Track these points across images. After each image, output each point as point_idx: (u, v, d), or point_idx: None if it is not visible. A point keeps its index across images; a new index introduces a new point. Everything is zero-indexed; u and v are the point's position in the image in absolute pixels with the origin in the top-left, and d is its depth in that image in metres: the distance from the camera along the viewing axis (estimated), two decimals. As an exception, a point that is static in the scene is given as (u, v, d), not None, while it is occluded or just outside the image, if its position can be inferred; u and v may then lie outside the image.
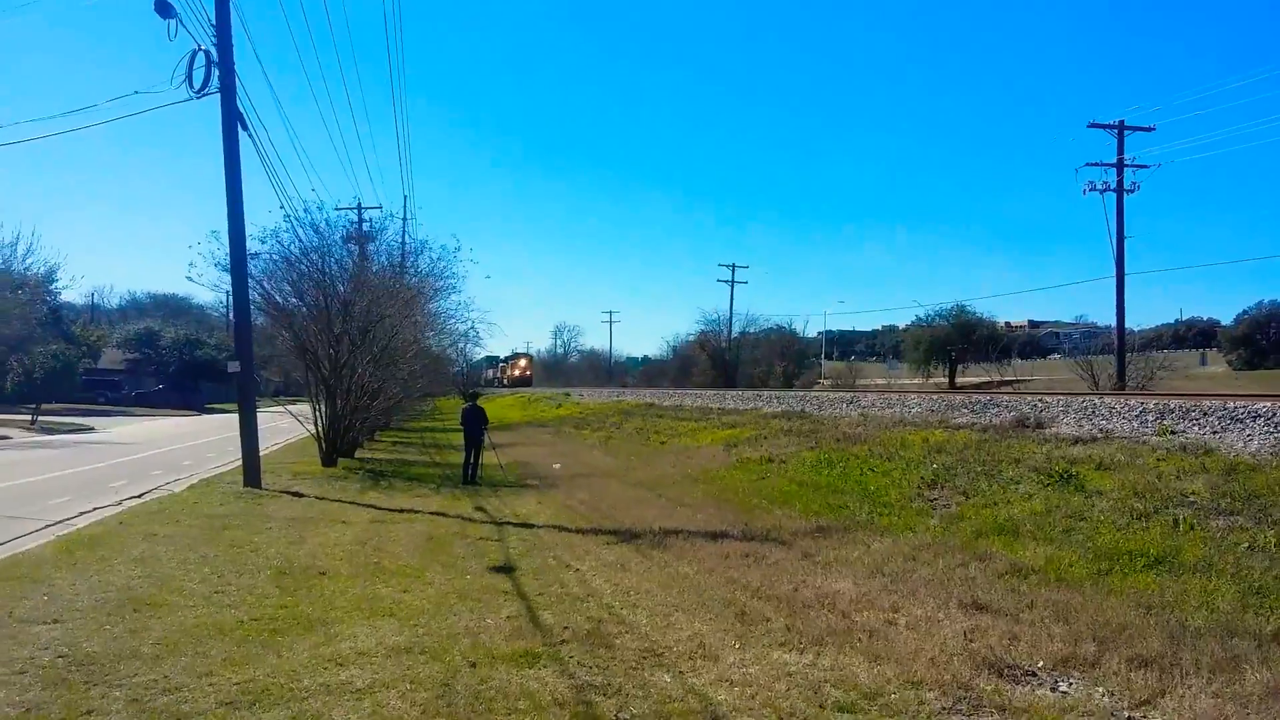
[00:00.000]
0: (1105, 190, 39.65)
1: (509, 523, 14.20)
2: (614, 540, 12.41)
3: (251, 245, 20.08)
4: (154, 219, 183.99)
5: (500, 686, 6.04)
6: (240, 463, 18.23)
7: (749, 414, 28.42)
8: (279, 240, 22.70)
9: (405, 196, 73.36)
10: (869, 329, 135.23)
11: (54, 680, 5.91)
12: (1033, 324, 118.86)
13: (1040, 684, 6.34)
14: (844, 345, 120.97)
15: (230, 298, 20.76)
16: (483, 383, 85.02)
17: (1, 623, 7.27)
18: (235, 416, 19.02)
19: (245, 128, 17.75)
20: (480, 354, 71.41)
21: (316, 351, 22.98)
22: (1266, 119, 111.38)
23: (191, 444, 31.37)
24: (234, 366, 18.42)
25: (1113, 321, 41.64)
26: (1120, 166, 39.42)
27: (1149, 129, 40.25)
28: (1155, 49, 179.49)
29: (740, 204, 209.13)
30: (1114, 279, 39.31)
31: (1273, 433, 12.25)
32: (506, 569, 10.38)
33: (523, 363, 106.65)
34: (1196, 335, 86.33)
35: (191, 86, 16.61)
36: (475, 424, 21.33)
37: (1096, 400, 17.03)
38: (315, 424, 23.29)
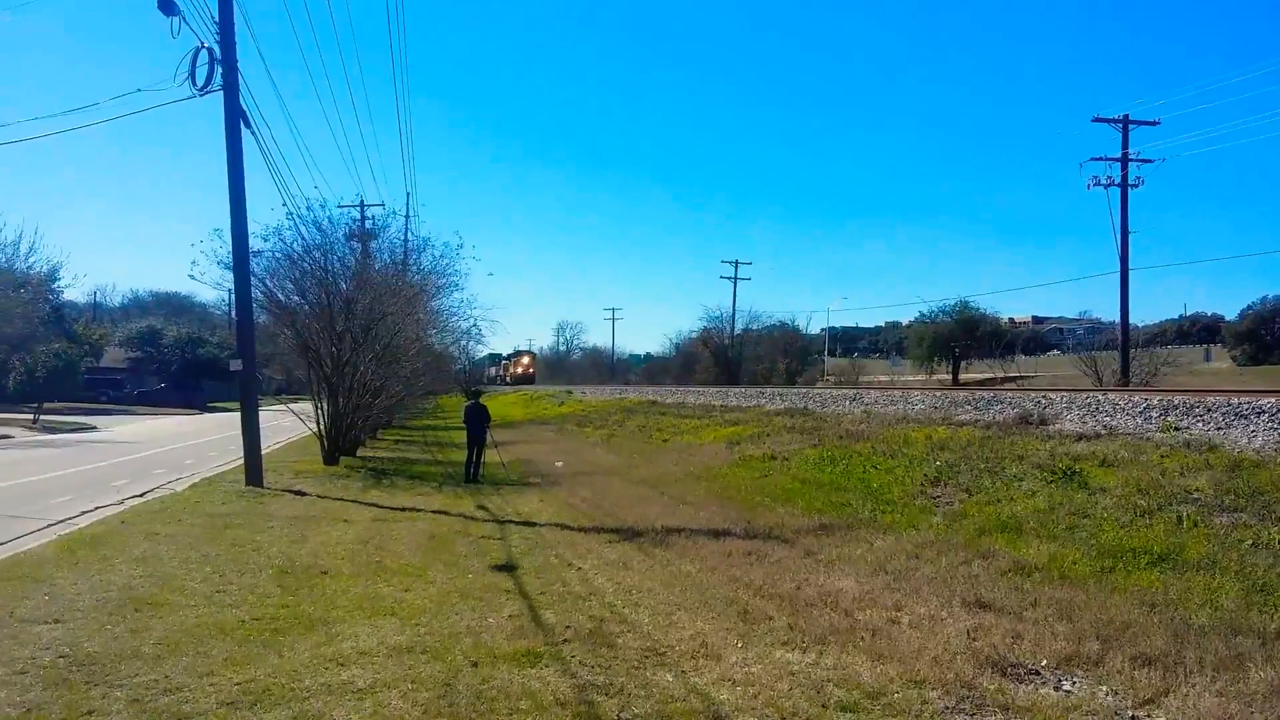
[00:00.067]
0: (1109, 185, 39.61)
1: (511, 521, 14.19)
2: (616, 538, 12.40)
3: (254, 243, 20.12)
4: (156, 217, 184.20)
5: (502, 686, 6.02)
6: (242, 461, 18.23)
7: (751, 411, 28.40)
8: (281, 238, 22.71)
9: (408, 194, 73.53)
10: (872, 325, 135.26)
11: (55, 680, 5.90)
12: (1036, 320, 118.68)
13: (1044, 683, 6.32)
14: (847, 342, 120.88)
15: (232, 296, 20.82)
16: (485, 380, 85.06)
17: (3, 622, 7.26)
18: (237, 415, 19.01)
19: (248, 125, 17.76)
20: (483, 351, 71.49)
21: (319, 349, 22.97)
22: (1271, 113, 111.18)
23: (193, 443, 31.38)
24: (236, 365, 18.40)
25: (1117, 317, 41.73)
26: (1124, 161, 39.37)
27: (1154, 123, 40.29)
28: (1159, 43, 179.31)
29: (743, 200, 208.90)
30: (1118, 274, 39.30)
31: (1277, 429, 12.20)
32: (508, 568, 10.37)
33: (526, 360, 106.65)
34: (1201, 331, 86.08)
35: (195, 84, 16.60)
36: (478, 422, 21.30)
37: (1100, 396, 17.01)
38: (317, 422, 23.29)
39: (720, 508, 14.97)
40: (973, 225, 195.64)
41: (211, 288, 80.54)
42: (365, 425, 28.22)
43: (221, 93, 17.07)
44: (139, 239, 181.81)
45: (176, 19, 15.97)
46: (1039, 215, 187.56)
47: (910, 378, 67.46)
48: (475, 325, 37.74)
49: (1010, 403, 18.32)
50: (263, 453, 18.46)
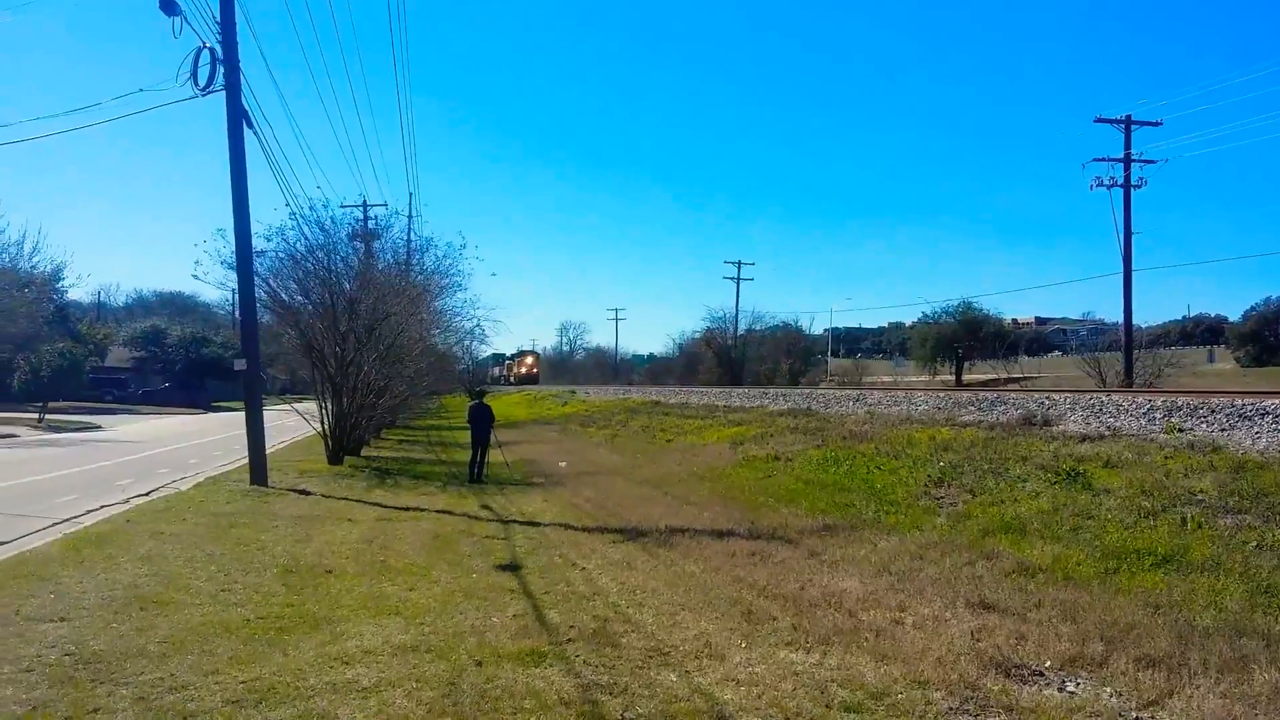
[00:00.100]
0: (1112, 186, 39.57)
1: (515, 521, 14.20)
2: (620, 538, 12.41)
3: (257, 243, 20.14)
4: (159, 217, 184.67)
5: (506, 685, 6.03)
6: (246, 461, 18.26)
7: (755, 412, 28.40)
8: (285, 238, 22.74)
9: (410, 194, 73.34)
10: (875, 326, 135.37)
11: (61, 678, 5.92)
12: (1039, 320, 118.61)
13: (1048, 684, 6.32)
14: (850, 342, 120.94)
15: (236, 296, 20.81)
16: (489, 380, 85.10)
17: (9, 621, 7.28)
18: (241, 414, 19.04)
19: (250, 125, 17.79)
20: (486, 351, 71.57)
21: (323, 349, 23.00)
22: (1274, 114, 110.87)
23: (198, 442, 31.43)
24: (240, 364, 18.43)
25: (1120, 318, 41.60)
26: (1127, 162, 39.32)
27: (1156, 124, 40.22)
28: (1162, 43, 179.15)
29: (744, 200, 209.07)
30: (1121, 275, 39.23)
31: (1281, 431, 12.20)
32: (512, 567, 10.38)
33: (529, 360, 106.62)
34: (1204, 332, 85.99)
35: (196, 84, 16.63)
36: (482, 422, 21.29)
37: (1104, 398, 17.00)
38: (321, 422, 23.32)
39: (724, 508, 14.98)
40: (975, 226, 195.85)
41: (215, 287, 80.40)
42: (369, 425, 28.24)
43: (223, 93, 17.10)
44: (142, 239, 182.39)
45: (178, 19, 16.00)
46: (1041, 216, 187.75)
47: (913, 378, 67.46)
48: (478, 325, 37.81)
49: (1014, 404, 18.31)
50: (267, 452, 18.50)
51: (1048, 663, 6.69)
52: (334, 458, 22.69)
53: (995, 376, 60.38)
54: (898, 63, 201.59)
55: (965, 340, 65.71)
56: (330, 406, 23.31)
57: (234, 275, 19.34)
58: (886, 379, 70.13)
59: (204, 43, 16.61)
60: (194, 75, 16.55)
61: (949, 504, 12.88)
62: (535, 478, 21.52)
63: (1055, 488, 12.08)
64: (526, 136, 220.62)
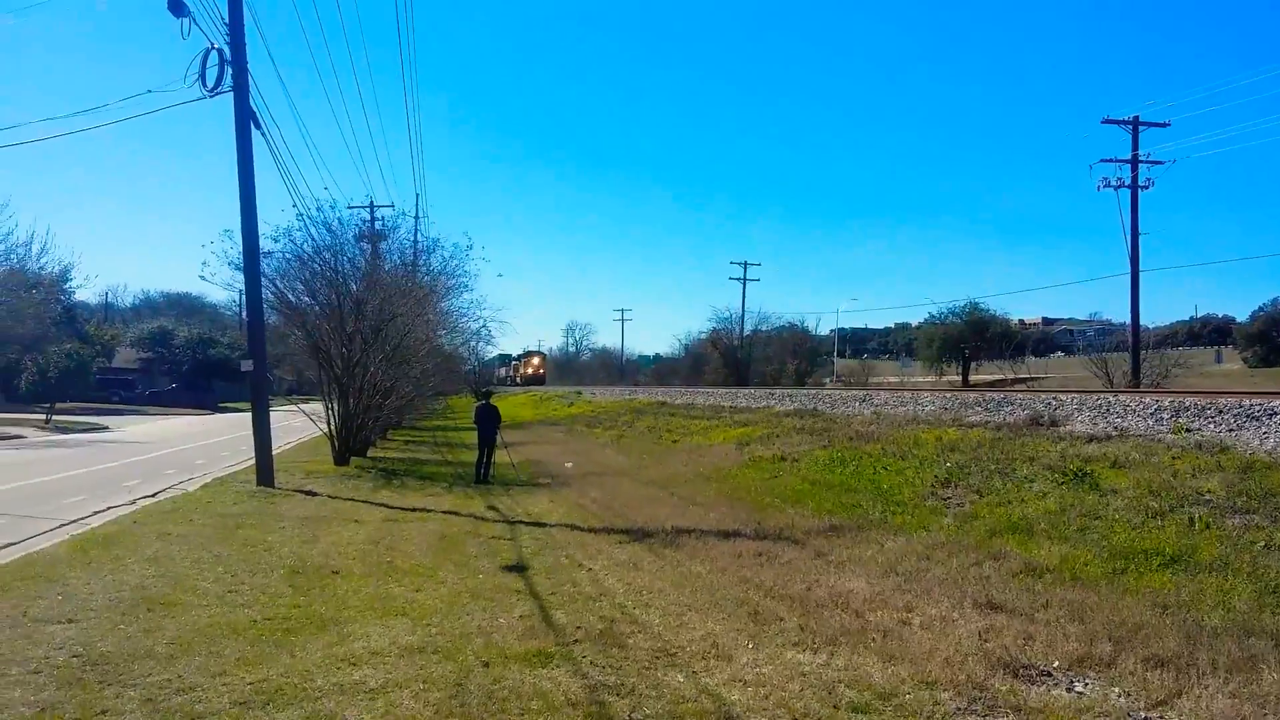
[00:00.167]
0: (1120, 186, 39.46)
1: (521, 521, 14.21)
2: (626, 539, 12.41)
3: (264, 244, 20.14)
4: (167, 218, 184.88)
5: (513, 686, 6.03)
6: (253, 462, 18.29)
7: (761, 412, 28.37)
8: (292, 239, 22.78)
9: (417, 195, 73.63)
10: (882, 326, 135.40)
11: (69, 680, 5.93)
12: (1046, 321, 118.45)
13: (1056, 684, 6.30)
14: (856, 343, 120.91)
15: (243, 296, 20.84)
16: (495, 381, 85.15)
17: (17, 622, 7.29)
18: (248, 415, 19.08)
19: (258, 126, 17.82)
20: (492, 352, 71.52)
21: (329, 350, 23.03)
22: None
23: (204, 443, 31.48)
24: (247, 365, 18.47)
25: (1127, 318, 41.49)
26: (1135, 162, 39.21)
27: (1164, 124, 40.22)
28: (1170, 44, 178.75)
29: (747, 201, 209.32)
30: (1129, 276, 39.14)
31: (1289, 431, 12.16)
32: (519, 568, 10.38)
33: (536, 361, 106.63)
34: (1212, 332, 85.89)
35: (205, 85, 16.68)
36: (489, 423, 21.29)
37: (1111, 398, 16.96)
38: (328, 423, 23.35)
39: (730, 509, 14.96)
40: (981, 226, 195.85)
41: (222, 288, 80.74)
42: (375, 426, 28.27)
43: (231, 94, 17.14)
44: (150, 239, 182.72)
45: (186, 20, 16.05)
46: (1048, 216, 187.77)
47: (920, 379, 67.40)
48: (485, 326, 37.88)
49: (1021, 404, 18.27)
50: (274, 453, 18.53)
51: (1056, 663, 6.68)
52: (340, 458, 22.72)
53: (1002, 377, 60.28)
54: (901, 61, 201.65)
55: (972, 341, 65.67)
56: (337, 407, 23.34)
57: (241, 276, 19.38)
58: (893, 379, 70.07)
59: (212, 44, 16.67)
60: (202, 76, 16.61)
61: (956, 504, 12.85)
62: (541, 478, 21.51)
63: (1062, 488, 12.06)
64: (527, 136, 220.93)
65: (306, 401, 29.83)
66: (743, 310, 76.64)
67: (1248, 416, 13.05)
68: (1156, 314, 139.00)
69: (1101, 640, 7.09)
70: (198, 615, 7.72)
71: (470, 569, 10.27)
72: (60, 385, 50.40)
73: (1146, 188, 39.39)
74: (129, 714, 5.41)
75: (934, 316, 72.37)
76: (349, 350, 22.76)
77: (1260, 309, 67.55)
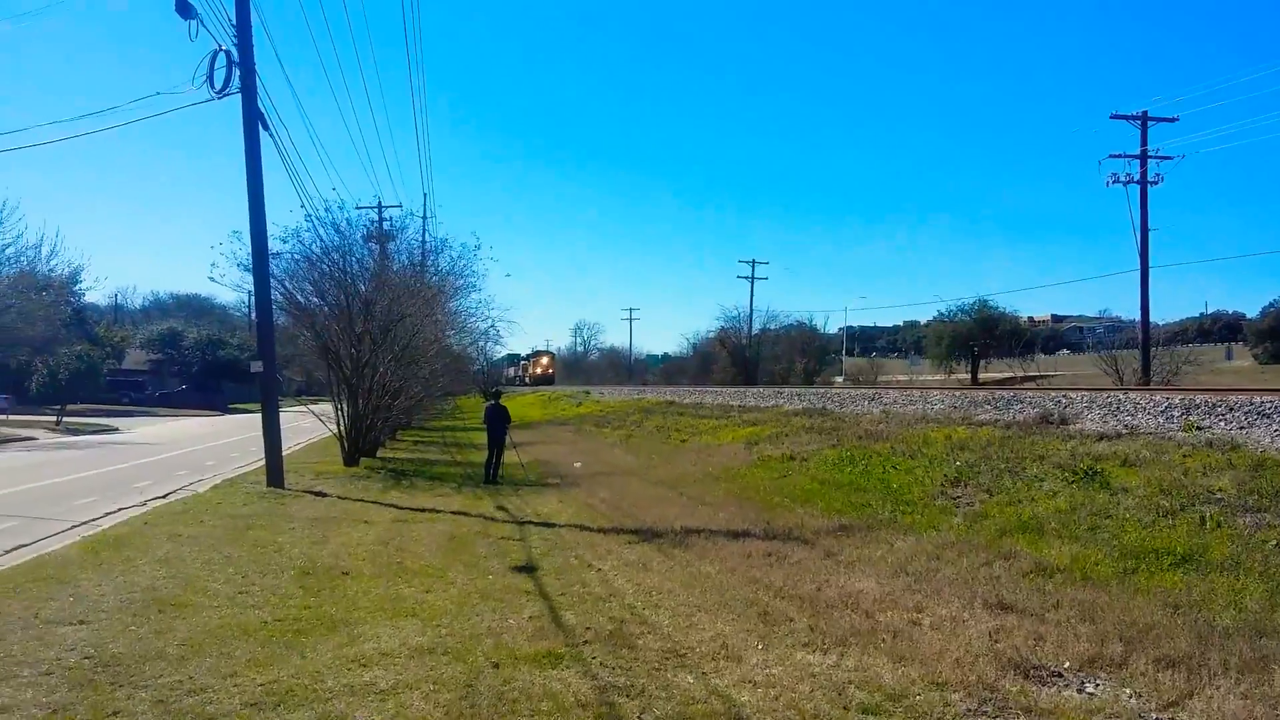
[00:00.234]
0: (1128, 182, 39.29)
1: (530, 522, 14.22)
2: (635, 539, 12.40)
3: (273, 245, 20.22)
4: (176, 219, 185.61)
5: (523, 687, 6.04)
6: (263, 463, 18.34)
7: (770, 411, 28.35)
8: (300, 240, 22.82)
9: (425, 195, 73.72)
10: (890, 324, 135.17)
11: (80, 681, 5.95)
12: (1056, 318, 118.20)
13: (1066, 685, 6.28)
14: (865, 341, 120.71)
15: (252, 298, 20.90)
16: (504, 381, 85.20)
17: (28, 624, 7.32)
18: (258, 416, 19.12)
19: (266, 127, 17.85)
20: (501, 352, 71.65)
21: (338, 351, 23.06)
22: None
23: (214, 444, 31.58)
24: (256, 366, 18.52)
25: (1137, 315, 41.35)
26: (1144, 158, 39.06)
27: (1172, 120, 39.90)
28: (1178, 39, 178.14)
29: (757, 200, 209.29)
30: (1138, 272, 39.00)
31: (1301, 429, 12.11)
32: (528, 569, 10.39)
33: (545, 360, 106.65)
34: (1222, 329, 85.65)
35: (213, 87, 16.70)
36: (498, 423, 21.30)
37: (1121, 396, 16.91)
38: (337, 423, 23.40)
39: (739, 508, 14.95)
40: (990, 223, 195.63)
41: (231, 289, 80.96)
42: (385, 426, 28.32)
43: (239, 95, 17.17)
44: (159, 241, 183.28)
45: (194, 22, 16.07)
46: (1057, 213, 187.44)
47: (929, 377, 67.22)
48: (493, 326, 37.92)
49: (1030, 402, 18.23)
50: (283, 454, 18.57)
51: (1066, 663, 6.66)
52: (350, 459, 22.76)
53: (1011, 375, 60.13)
54: (907, 58, 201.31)
55: (981, 339, 65.42)
56: (346, 408, 23.38)
57: (250, 277, 19.42)
58: (902, 378, 69.95)
59: (220, 45, 16.69)
60: (210, 78, 16.64)
61: (966, 504, 12.83)
62: (550, 479, 21.53)
63: (1073, 487, 12.03)
64: (530, 136, 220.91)
65: (316, 402, 29.86)
66: (750, 309, 76.61)
67: (1259, 414, 13.00)
68: (1166, 310, 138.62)
69: (1112, 640, 7.07)
70: (209, 616, 7.75)
71: (480, 570, 10.28)
72: (70, 387, 50.66)
73: (1155, 183, 39.28)
74: (140, 715, 5.42)
75: (942, 314, 72.11)
76: (358, 351, 22.80)
77: (1271, 305, 67.31)
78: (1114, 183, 39.54)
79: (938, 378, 65.42)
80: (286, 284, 22.72)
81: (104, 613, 7.74)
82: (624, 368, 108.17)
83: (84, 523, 13.04)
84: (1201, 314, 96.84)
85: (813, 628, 7.64)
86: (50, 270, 42.33)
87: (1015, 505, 12.01)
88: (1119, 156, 39.55)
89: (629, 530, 13.18)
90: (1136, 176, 39.14)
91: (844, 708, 5.79)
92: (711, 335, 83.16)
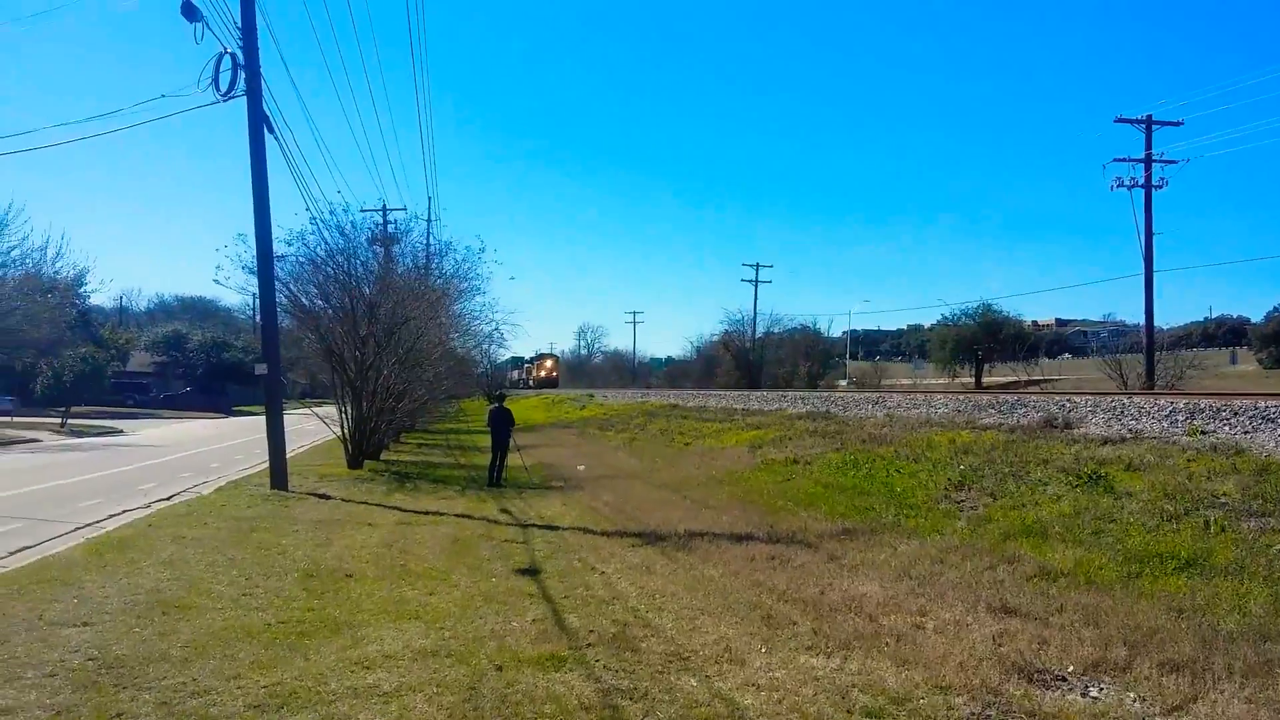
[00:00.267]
0: (1133, 186, 39.24)
1: (534, 525, 14.21)
2: (639, 542, 12.40)
3: (278, 248, 20.23)
4: (181, 221, 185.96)
5: (526, 690, 6.04)
6: (267, 465, 18.35)
7: (773, 415, 28.34)
8: (305, 243, 22.89)
9: (430, 198, 73.69)
10: (894, 328, 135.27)
11: (84, 683, 5.96)
12: (1060, 322, 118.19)
13: (1070, 689, 6.28)
14: (869, 345, 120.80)
15: (257, 300, 20.94)
16: (507, 384, 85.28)
17: (32, 625, 7.34)
18: (262, 419, 19.15)
19: (271, 130, 17.88)
20: (505, 355, 71.72)
21: (343, 353, 23.09)
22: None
23: (218, 446, 31.62)
24: (261, 369, 18.55)
25: (1141, 319, 41.30)
26: (1148, 162, 39.02)
27: (1177, 124, 39.99)
28: (1183, 42, 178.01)
29: (761, 203, 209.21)
30: (1142, 276, 38.95)
31: (1306, 433, 12.09)
32: (532, 571, 10.39)
33: (549, 363, 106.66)
34: (1226, 333, 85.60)
35: (218, 89, 16.73)
36: (502, 426, 21.30)
37: (1125, 400, 16.88)
38: (341, 426, 23.42)
39: (743, 512, 14.95)
40: (994, 227, 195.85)
41: (236, 292, 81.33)
42: (389, 429, 28.33)
43: (244, 98, 17.20)
44: (164, 243, 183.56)
45: (200, 25, 16.09)
46: (1062, 216, 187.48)
47: (933, 381, 67.23)
48: (497, 329, 37.91)
49: (1034, 406, 18.21)
50: (287, 456, 18.58)
51: (1070, 668, 6.65)
52: (354, 462, 22.77)
53: (1015, 379, 60.09)
54: (910, 61, 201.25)
55: (985, 342, 65.44)
56: (350, 411, 23.40)
57: (255, 280, 19.46)
58: (905, 382, 69.95)
59: (225, 48, 16.72)
60: (215, 81, 16.66)
61: (969, 507, 12.81)
62: (554, 481, 21.52)
63: (1077, 491, 12.01)
64: (532, 136, 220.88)
65: (320, 405, 29.93)
66: (754, 312, 76.52)
67: (1263, 419, 12.98)
68: (1171, 315, 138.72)
69: (1116, 645, 7.06)
70: (212, 618, 7.75)
71: (483, 572, 10.28)
72: (75, 389, 50.63)
73: (1160, 187, 39.22)
74: (144, 717, 5.43)
75: (947, 318, 72.13)
76: (362, 354, 22.82)
77: (1275, 310, 67.46)
78: (1118, 186, 39.53)
79: (942, 381, 65.44)
80: (291, 287, 22.80)
81: (108, 615, 7.75)
82: (628, 371, 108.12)
83: (88, 525, 13.06)
84: (1206, 318, 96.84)
85: (816, 631, 7.63)
86: (56, 272, 42.53)
87: (1019, 509, 12.00)
88: (1123, 160, 39.57)
89: (632, 533, 13.18)
90: (1141, 180, 39.11)
91: (847, 711, 5.78)
92: (715, 338, 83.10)
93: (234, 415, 60.28)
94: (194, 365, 75.31)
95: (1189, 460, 12.11)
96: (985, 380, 64.20)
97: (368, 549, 11.63)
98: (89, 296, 56.10)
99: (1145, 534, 10.03)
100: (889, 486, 14.97)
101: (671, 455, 25.78)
